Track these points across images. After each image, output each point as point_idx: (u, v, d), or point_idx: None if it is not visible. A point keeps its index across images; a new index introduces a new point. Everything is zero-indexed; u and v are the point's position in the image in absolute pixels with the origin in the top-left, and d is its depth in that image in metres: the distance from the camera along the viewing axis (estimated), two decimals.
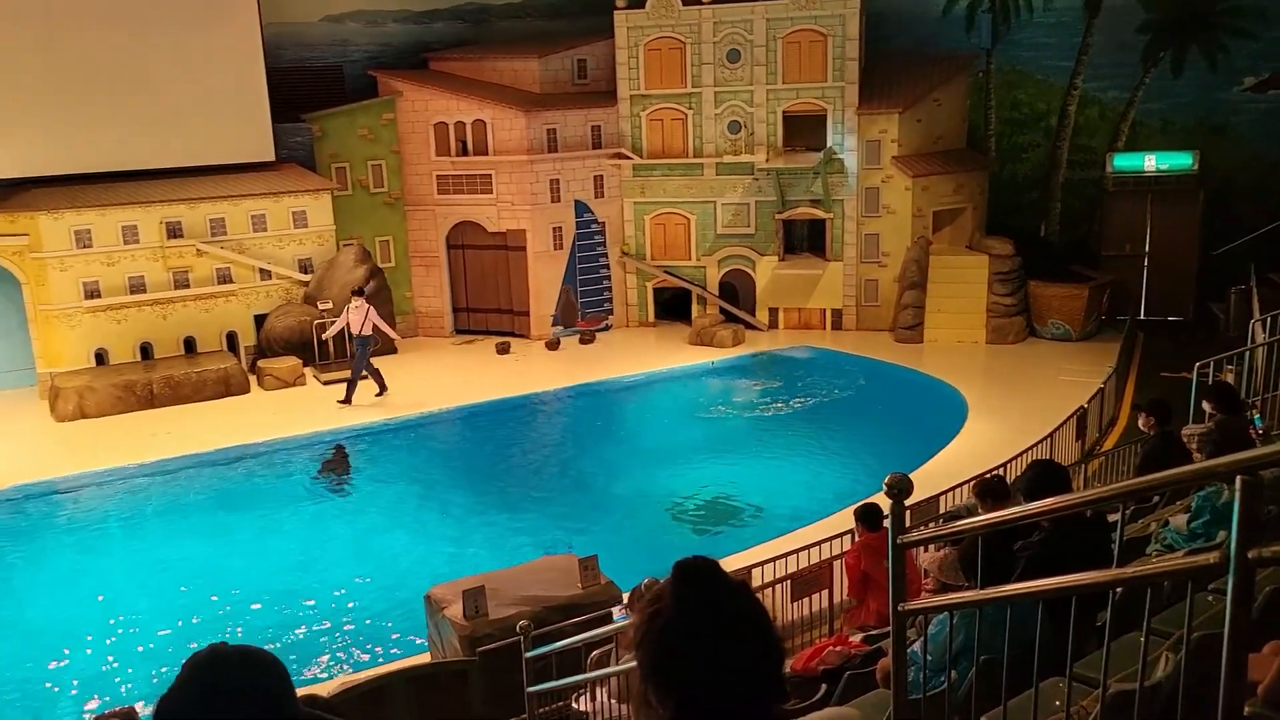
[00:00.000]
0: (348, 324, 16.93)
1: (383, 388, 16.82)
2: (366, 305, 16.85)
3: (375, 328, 16.84)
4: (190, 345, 18.45)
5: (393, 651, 10.06)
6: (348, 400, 16.59)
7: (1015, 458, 11.46)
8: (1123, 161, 20.52)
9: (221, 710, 1.96)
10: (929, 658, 4.26)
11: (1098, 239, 20.82)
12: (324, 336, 17.10)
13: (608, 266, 21.29)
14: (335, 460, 15.33)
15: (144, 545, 12.74)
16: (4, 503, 13.68)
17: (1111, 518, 5.78)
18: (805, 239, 20.94)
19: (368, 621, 10.78)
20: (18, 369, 17.88)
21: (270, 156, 19.63)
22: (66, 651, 10.31)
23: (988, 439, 13.90)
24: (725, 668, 1.78)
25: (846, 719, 2.09)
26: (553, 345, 20.14)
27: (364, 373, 16.74)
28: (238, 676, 2.01)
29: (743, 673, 1.80)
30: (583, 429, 16.83)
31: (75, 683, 9.85)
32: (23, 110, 17.54)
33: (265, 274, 19.02)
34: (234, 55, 19.22)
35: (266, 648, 2.10)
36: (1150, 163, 20.27)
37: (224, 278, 18.70)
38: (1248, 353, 11.84)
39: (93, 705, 9.43)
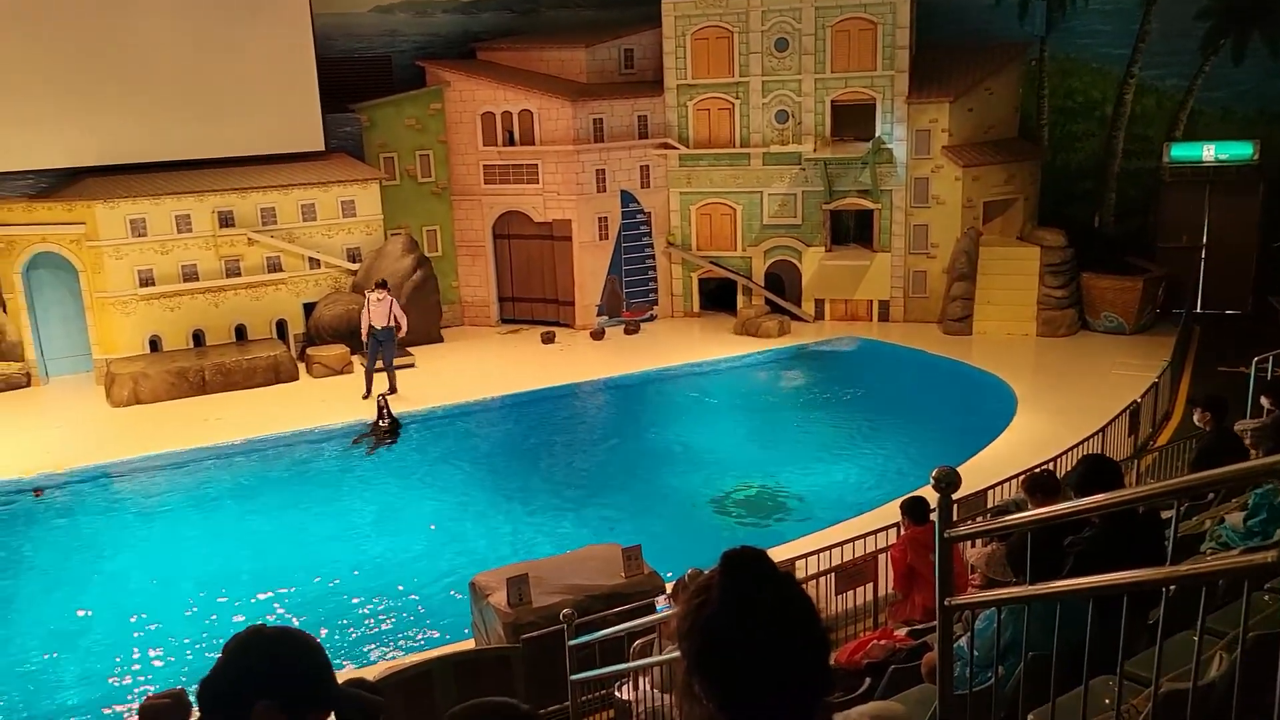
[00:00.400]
0: (369, 315, 16.66)
1: (369, 392, 16.53)
2: (390, 298, 16.86)
3: (395, 320, 16.68)
4: (241, 333, 18.74)
5: (436, 637, 10.16)
6: (392, 390, 16.56)
7: (1065, 453, 11.29)
8: (1180, 151, 20.08)
9: (263, 690, 1.99)
10: (975, 653, 4.21)
11: (1153, 230, 20.39)
12: (364, 337, 17.00)
13: (653, 257, 21.26)
14: (385, 429, 15.40)
15: (195, 529, 12.97)
16: (62, 486, 13.99)
17: (1165, 515, 5.67)
18: (852, 230, 20.76)
19: (412, 607, 10.89)
20: (75, 355, 18.26)
21: (320, 146, 19.83)
22: (130, 631, 10.54)
23: (1037, 433, 13.70)
24: (772, 658, 1.77)
25: (893, 713, 2.06)
26: (597, 335, 20.17)
27: (379, 365, 16.63)
28: (278, 657, 2.04)
29: (790, 663, 1.78)
30: (627, 419, 16.84)
31: (120, 664, 10.05)
32: (79, 101, 17.87)
33: (314, 263, 19.24)
34: (285, 46, 19.44)
35: (312, 631, 2.13)
36: (1209, 152, 19.80)
37: (274, 266, 18.95)
38: None
39: (139, 689, 9.62)
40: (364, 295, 17.35)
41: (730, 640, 1.78)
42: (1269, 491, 5.74)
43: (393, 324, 16.63)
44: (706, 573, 1.88)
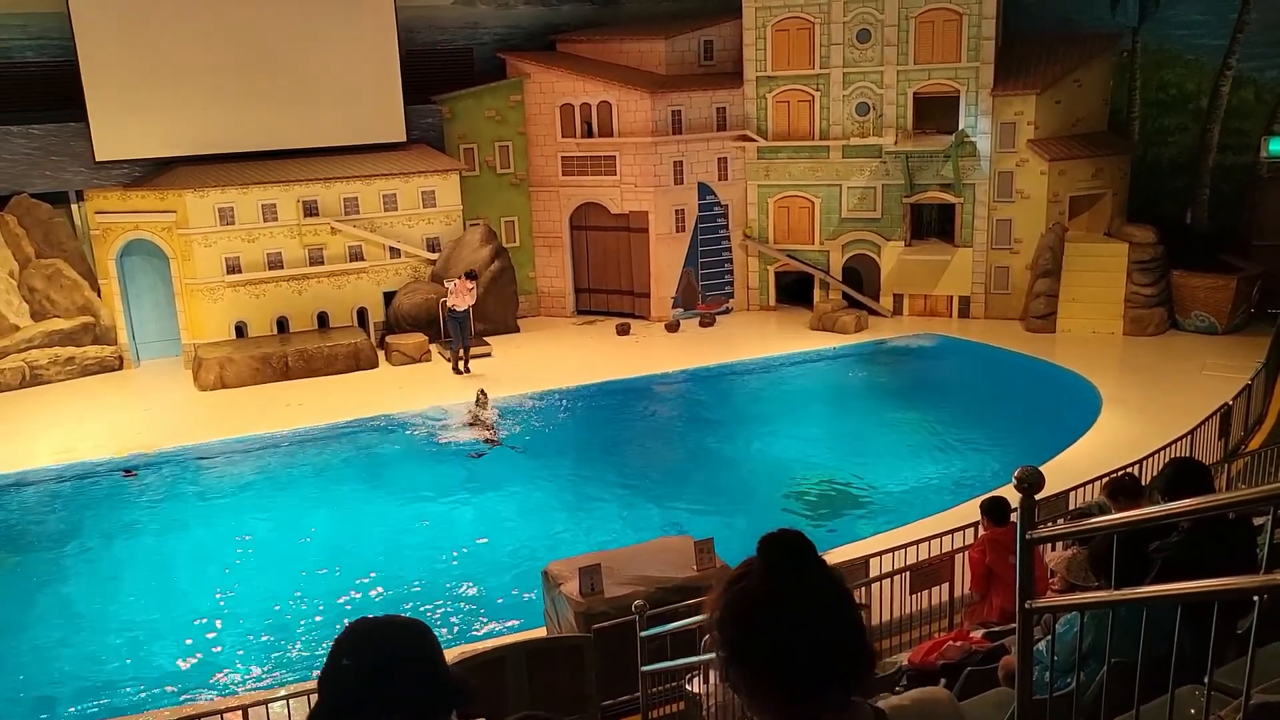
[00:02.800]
0: (452, 299, 17.81)
1: (468, 368, 17.80)
2: (474, 288, 18.03)
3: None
4: (323, 320, 19.15)
5: (510, 624, 10.28)
6: (467, 369, 17.64)
7: (1151, 455, 10.96)
8: (1279, 145, 19.34)
9: (390, 679, 2.02)
10: (1055, 658, 4.12)
11: (1249, 227, 19.68)
12: (459, 308, 17.83)
13: (729, 249, 21.19)
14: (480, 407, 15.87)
15: (276, 513, 13.31)
16: (151, 466, 14.46)
17: (1257, 522, 5.48)
18: (934, 224, 20.42)
19: (487, 594, 11.03)
20: (165, 339, 18.86)
21: (402, 137, 20.15)
22: (217, 610, 10.86)
23: (1122, 435, 13.35)
24: (815, 643, 1.76)
25: (935, 699, 2.04)
26: (672, 327, 20.17)
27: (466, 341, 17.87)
28: (398, 646, 2.07)
29: (833, 648, 1.77)
30: (701, 412, 16.82)
31: (203, 647, 10.35)
32: (171, 93, 18.42)
33: (395, 252, 19.56)
34: (369, 38, 19.79)
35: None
36: None
37: (355, 255, 19.32)
38: None
39: (223, 671, 9.90)
40: (452, 281, 18.18)
41: (772, 626, 1.77)
42: None
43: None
44: (743, 560, 1.86)
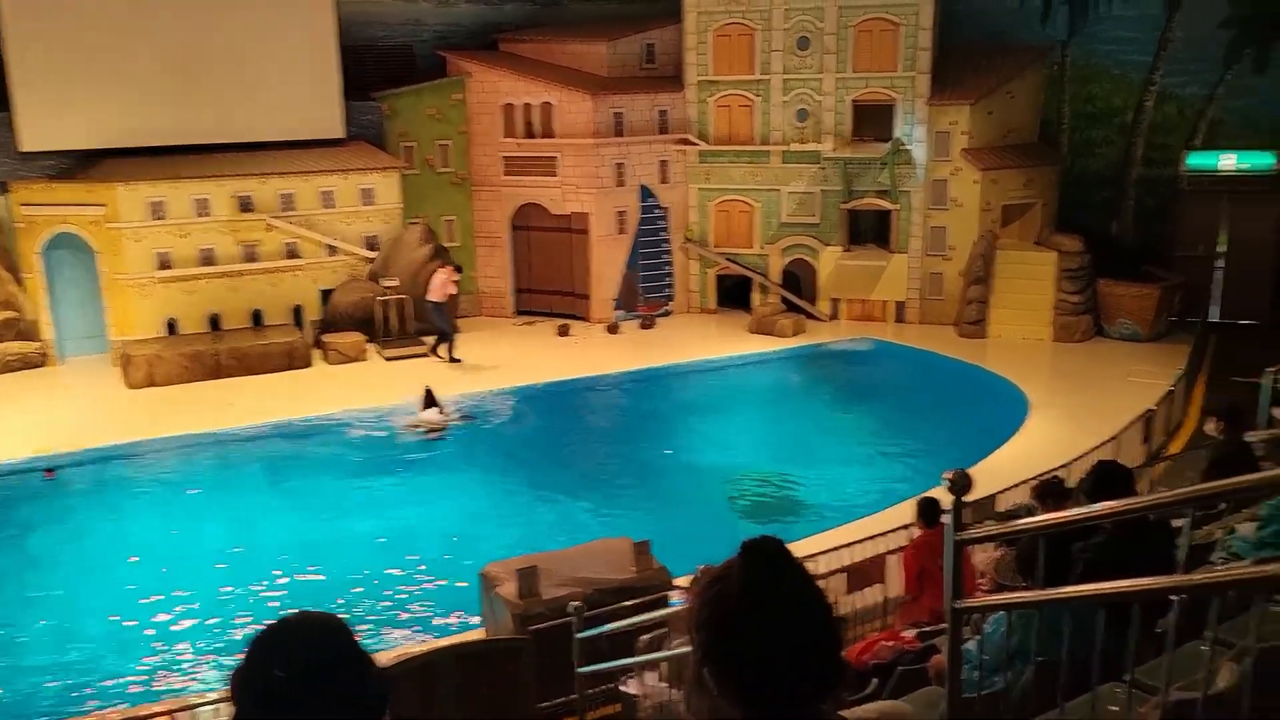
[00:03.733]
0: (433, 287, 18.15)
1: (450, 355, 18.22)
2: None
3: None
4: (257, 318, 18.84)
5: (445, 626, 10.21)
6: (454, 358, 18.11)
7: (1078, 459, 11.25)
8: (1199, 160, 19.98)
9: (327, 685, 1.96)
10: (985, 657, 4.23)
11: (1171, 238, 20.32)
12: (438, 297, 18.20)
13: (670, 252, 21.29)
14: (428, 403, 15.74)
15: (207, 511, 13.06)
16: (76, 466, 14.10)
17: (1176, 524, 5.67)
18: (870, 230, 20.73)
19: (421, 597, 10.95)
20: (92, 336, 18.38)
21: (341, 134, 19.92)
22: (138, 612, 10.63)
23: (1049, 438, 13.68)
24: (789, 648, 1.77)
25: (900, 713, 2.08)
26: (613, 329, 20.21)
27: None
28: (330, 648, 2.00)
29: (805, 653, 1.78)
30: (640, 414, 16.88)
31: (128, 651, 10.13)
32: (102, 83, 18.00)
33: (332, 250, 19.31)
34: (309, 33, 19.53)
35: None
36: (1229, 162, 19.71)
37: (292, 252, 19.04)
38: None
39: (140, 673, 9.71)
40: (438, 270, 18.42)
41: (749, 629, 1.78)
42: None
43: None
44: (723, 563, 1.87)
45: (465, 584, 10.34)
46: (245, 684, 1.94)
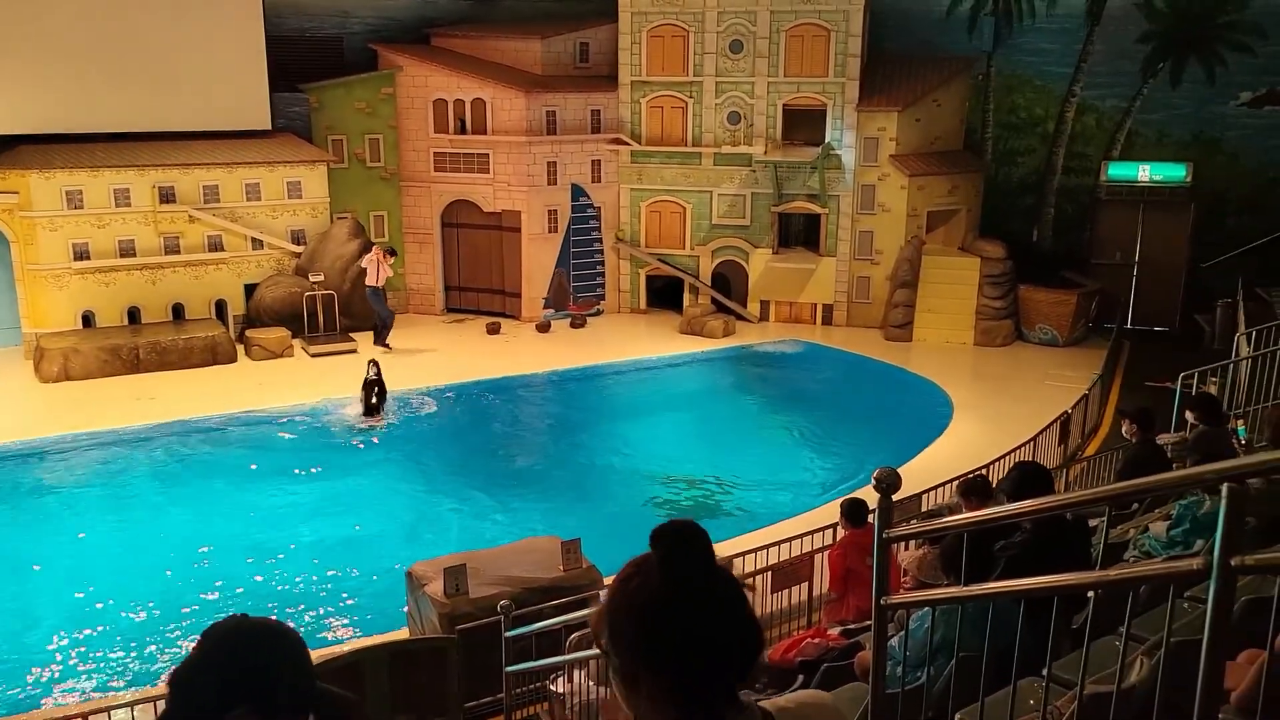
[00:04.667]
0: (369, 271, 18.19)
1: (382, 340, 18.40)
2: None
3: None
4: (178, 312, 18.38)
5: (370, 622, 10.09)
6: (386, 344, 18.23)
7: (998, 459, 11.53)
8: (1117, 170, 20.60)
9: (244, 694, 1.94)
10: (907, 653, 4.31)
11: (1088, 246, 20.91)
12: (376, 282, 18.25)
13: (601, 252, 21.28)
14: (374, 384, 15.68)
15: (123, 511, 12.72)
16: None
17: (1092, 523, 5.85)
18: (800, 233, 20.97)
19: (345, 595, 10.80)
20: (4, 328, 17.79)
21: (266, 125, 19.53)
22: (48, 614, 10.31)
23: (972, 440, 13.98)
24: (709, 637, 1.71)
25: (820, 700, 2.08)
26: (543, 328, 20.14)
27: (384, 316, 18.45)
28: (265, 666, 1.97)
29: (726, 642, 1.73)
30: (570, 413, 16.85)
31: (40, 653, 9.83)
32: (18, 66, 17.41)
33: (257, 244, 18.94)
34: (234, 20, 19.10)
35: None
36: (1144, 173, 20.35)
37: (215, 245, 18.62)
38: (1232, 365, 11.95)
39: (48, 677, 9.43)
40: (371, 254, 18.37)
41: (666, 617, 1.70)
42: (1193, 503, 5.95)
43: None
44: (634, 558, 1.80)
45: (391, 583, 10.22)
46: (180, 683, 1.92)
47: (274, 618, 2.11)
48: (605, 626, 1.76)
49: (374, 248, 18.44)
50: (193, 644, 2.04)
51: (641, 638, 1.72)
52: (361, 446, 14.83)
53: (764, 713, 1.83)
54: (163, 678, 7.68)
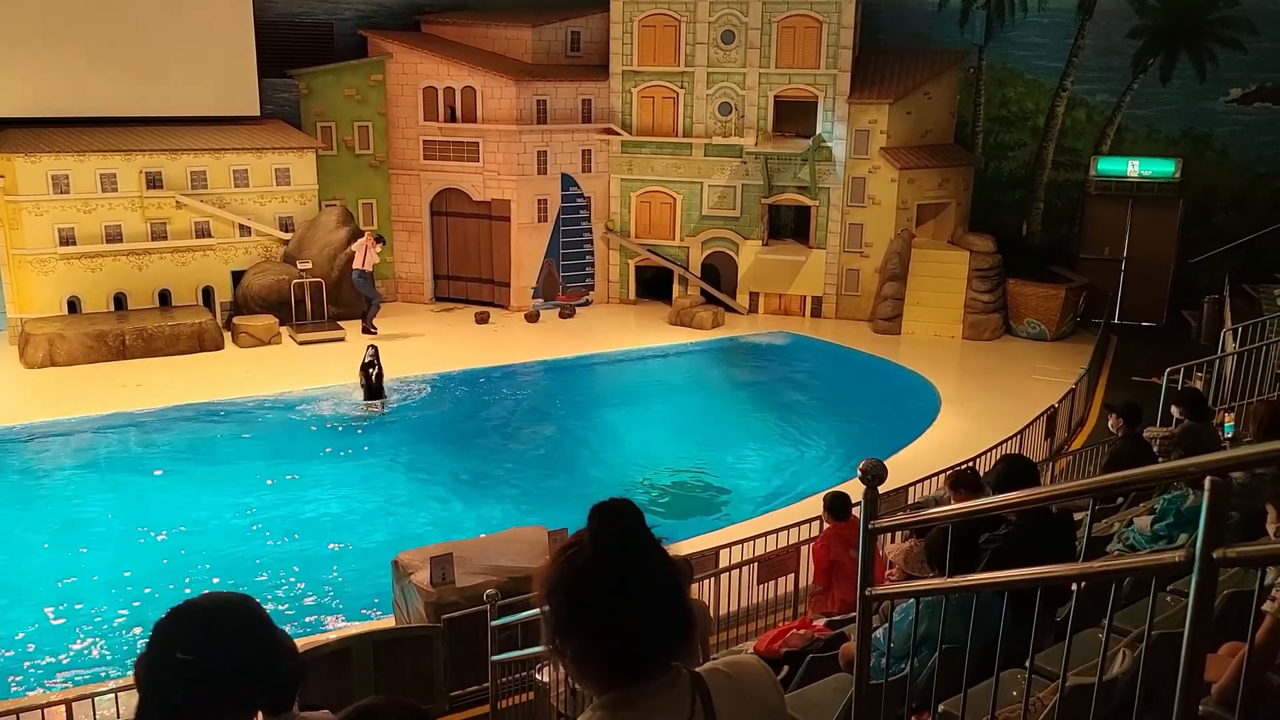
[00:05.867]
0: (356, 256, 18.30)
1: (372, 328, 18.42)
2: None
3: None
4: (165, 298, 18.28)
5: (355, 607, 10.09)
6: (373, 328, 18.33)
7: (985, 453, 11.57)
8: (1106, 165, 20.65)
9: (241, 668, 1.89)
10: (891, 645, 4.32)
11: (1077, 241, 20.97)
12: (363, 265, 18.39)
13: (591, 242, 21.24)
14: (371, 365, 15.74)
15: (108, 497, 12.66)
16: None
17: (1077, 517, 5.87)
18: (790, 225, 20.97)
19: (333, 584, 10.79)
20: None
21: (255, 111, 19.41)
22: (36, 601, 10.26)
23: (959, 433, 14.02)
24: (644, 604, 1.82)
25: (747, 662, 2.12)
26: (532, 318, 20.11)
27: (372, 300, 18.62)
28: (241, 629, 1.93)
29: (659, 610, 1.84)
30: (558, 403, 16.83)
31: (23, 639, 9.80)
32: (4, 49, 17.26)
33: (245, 230, 18.84)
34: (223, 5, 18.95)
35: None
36: (1133, 168, 20.40)
37: (202, 231, 18.52)
38: (1218, 361, 12.01)
39: (41, 664, 9.39)
40: (361, 239, 18.56)
41: (602, 588, 1.82)
42: (1176, 497, 5.98)
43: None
44: (576, 532, 1.92)
45: (377, 571, 10.21)
46: (149, 668, 1.88)
47: (228, 592, 2.01)
48: (543, 590, 1.89)
49: (365, 233, 18.53)
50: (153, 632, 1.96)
51: (567, 602, 1.85)
52: (347, 435, 14.79)
53: (694, 675, 1.93)
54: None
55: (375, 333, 18.11)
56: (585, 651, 1.84)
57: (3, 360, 16.61)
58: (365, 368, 15.60)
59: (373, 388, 15.61)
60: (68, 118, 17.82)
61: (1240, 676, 2.74)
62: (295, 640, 8.48)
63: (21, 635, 9.70)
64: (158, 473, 13.36)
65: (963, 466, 9.17)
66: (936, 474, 10.37)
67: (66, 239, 17.43)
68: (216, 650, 1.89)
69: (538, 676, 7.63)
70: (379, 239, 18.72)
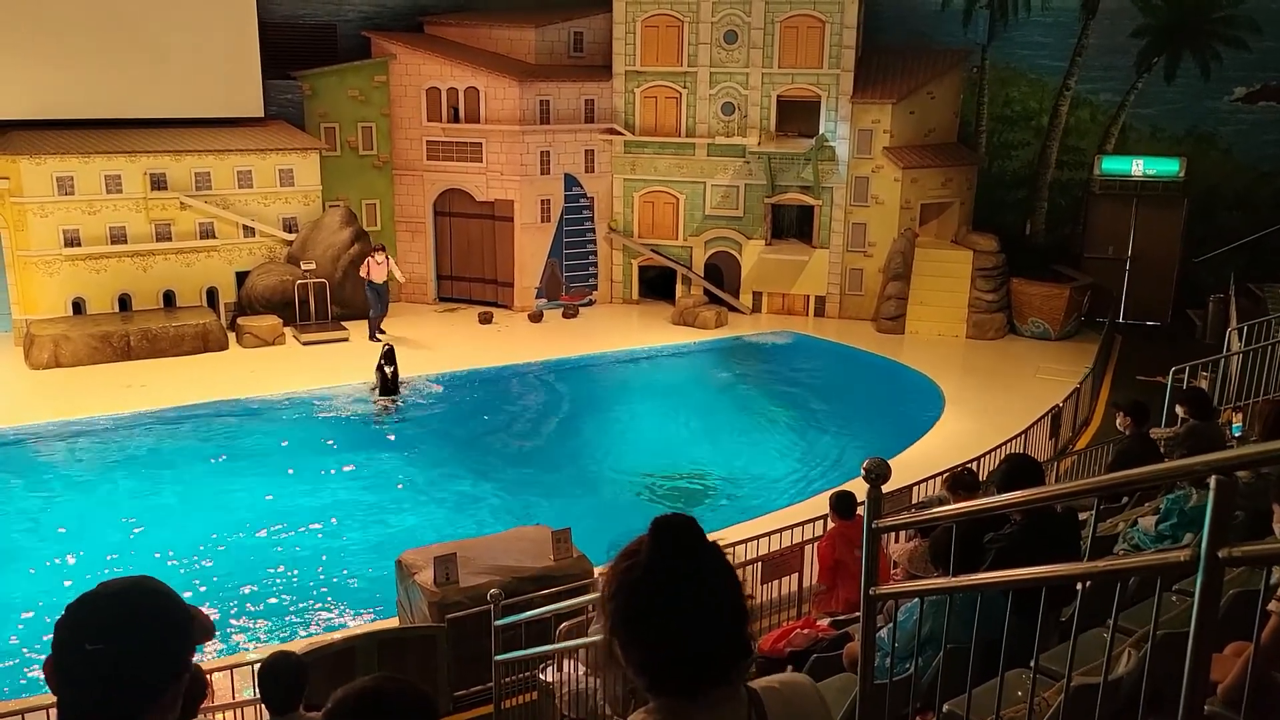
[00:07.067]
0: (371, 272, 18.32)
1: (376, 335, 18.26)
2: (389, 259, 18.90)
3: (392, 274, 19.07)
4: (169, 299, 18.31)
5: (359, 607, 10.09)
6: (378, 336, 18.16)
7: (989, 452, 11.55)
8: (1110, 164, 20.62)
9: (157, 647, 1.83)
10: (896, 644, 4.32)
11: (1081, 240, 20.94)
12: (377, 280, 18.45)
13: (594, 242, 21.25)
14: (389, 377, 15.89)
15: (112, 498, 12.67)
16: None
17: (1082, 516, 5.86)
18: (793, 225, 20.96)
19: (337, 584, 10.79)
20: None
21: (259, 112, 19.44)
22: (36, 599, 10.28)
23: (963, 433, 14.00)
24: (693, 621, 1.83)
25: (798, 683, 2.13)
26: (535, 318, 20.11)
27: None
28: (151, 610, 1.86)
29: (709, 628, 1.85)
30: (561, 403, 16.83)
31: (27, 640, 9.81)
32: (9, 52, 17.28)
33: (249, 231, 18.86)
34: (227, 7, 18.99)
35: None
36: (1137, 167, 20.37)
37: (206, 233, 18.54)
38: (1223, 360, 11.98)
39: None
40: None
41: (653, 602, 1.84)
42: (1180, 497, 5.96)
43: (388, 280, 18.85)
44: (635, 539, 1.93)
45: (381, 571, 10.22)
46: (59, 667, 1.81)
47: (125, 576, 1.90)
48: (604, 593, 1.92)
49: (375, 252, 18.51)
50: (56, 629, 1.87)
51: (622, 610, 1.87)
52: (349, 435, 14.79)
53: (750, 691, 1.95)
54: None
55: (384, 334, 18.09)
56: (632, 656, 1.88)
57: (8, 361, 16.63)
58: (381, 364, 15.67)
59: (388, 384, 15.66)
60: (73, 119, 17.84)
61: (1246, 676, 2.74)
62: (298, 640, 8.47)
63: (26, 636, 9.71)
64: (161, 474, 13.36)
65: (963, 467, 9.17)
66: (940, 473, 10.35)
67: (71, 240, 17.45)
68: (126, 635, 1.81)
69: (541, 676, 7.62)
70: (380, 248, 18.70)
